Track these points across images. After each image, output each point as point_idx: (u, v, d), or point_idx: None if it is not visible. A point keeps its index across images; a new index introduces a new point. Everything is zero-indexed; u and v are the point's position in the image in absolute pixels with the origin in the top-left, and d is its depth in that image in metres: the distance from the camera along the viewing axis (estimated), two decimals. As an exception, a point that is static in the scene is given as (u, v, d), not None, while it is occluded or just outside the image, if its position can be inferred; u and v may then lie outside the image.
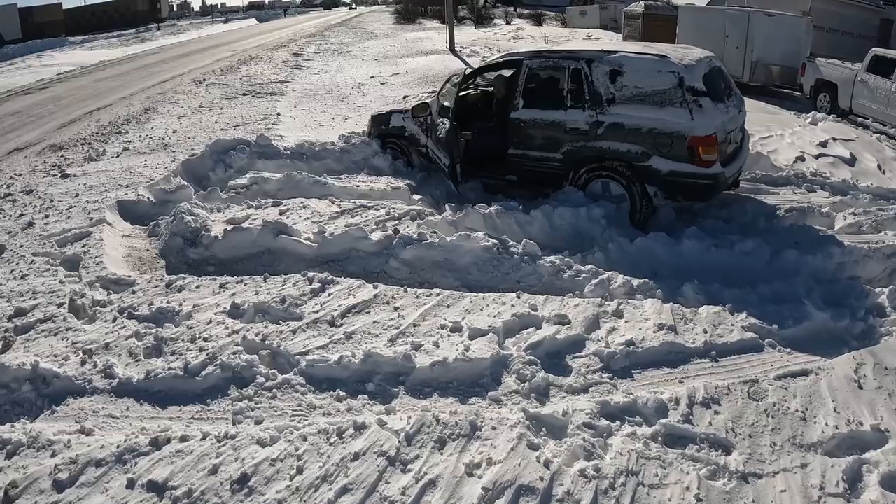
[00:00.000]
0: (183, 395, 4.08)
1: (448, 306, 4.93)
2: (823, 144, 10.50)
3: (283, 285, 5.19)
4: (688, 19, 18.05)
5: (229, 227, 6.04)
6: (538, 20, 38.38)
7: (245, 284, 5.25)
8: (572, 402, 4.03)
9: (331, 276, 5.27)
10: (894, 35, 21.06)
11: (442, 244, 5.83)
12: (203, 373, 4.16)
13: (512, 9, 45.16)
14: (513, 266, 5.74)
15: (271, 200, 7.03)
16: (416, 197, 7.64)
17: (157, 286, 5.34)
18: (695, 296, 5.25)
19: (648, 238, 6.16)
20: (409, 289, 5.17)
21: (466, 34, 33.37)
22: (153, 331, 4.63)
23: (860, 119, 13.73)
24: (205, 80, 19.26)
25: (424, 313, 4.81)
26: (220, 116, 13.36)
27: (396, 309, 4.87)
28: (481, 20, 40.24)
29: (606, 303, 5.08)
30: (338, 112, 14.35)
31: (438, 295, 5.05)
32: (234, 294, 5.10)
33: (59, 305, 5.14)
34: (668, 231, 6.51)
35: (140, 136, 11.43)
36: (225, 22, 65.38)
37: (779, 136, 10.96)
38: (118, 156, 10.06)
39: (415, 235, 5.93)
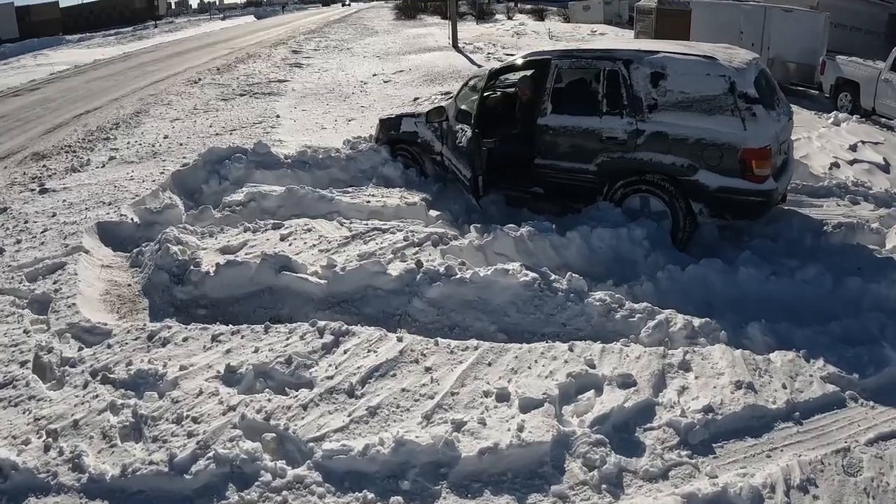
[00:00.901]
0: (168, 498, 3.16)
1: (489, 364, 3.99)
2: (853, 148, 9.76)
3: (288, 338, 4.23)
4: (702, 14, 17.06)
5: (223, 262, 5.08)
6: (540, 15, 37.32)
7: (242, 337, 4.28)
8: (651, 494, 3.21)
9: (345, 326, 4.29)
10: (905, 30, 20.23)
11: (474, 280, 4.88)
12: (193, 468, 3.22)
13: (513, 4, 44.06)
14: (557, 305, 4.81)
15: (271, 222, 6.05)
16: (432, 213, 6.70)
17: (137, 338, 4.37)
18: (763, 338, 4.54)
19: (701, 266, 5.39)
20: (439, 341, 4.19)
21: (468, 30, 32.31)
22: (131, 403, 3.66)
23: (884, 120, 13.00)
24: (200, 79, 18.24)
25: (462, 375, 3.87)
26: (216, 119, 12.37)
27: (428, 370, 3.92)
28: (482, 16, 39.17)
29: (670, 352, 4.23)
30: (340, 113, 13.38)
31: (476, 349, 4.10)
32: (228, 351, 4.14)
33: (23, 364, 4.20)
34: (712, 251, 5.87)
35: (129, 143, 10.43)
36: (223, 19, 64.19)
37: (806, 140, 10.11)
38: (103, 166, 9.08)
39: (441, 269, 4.98)
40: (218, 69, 20.60)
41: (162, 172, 7.98)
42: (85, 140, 11.08)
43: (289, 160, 8.16)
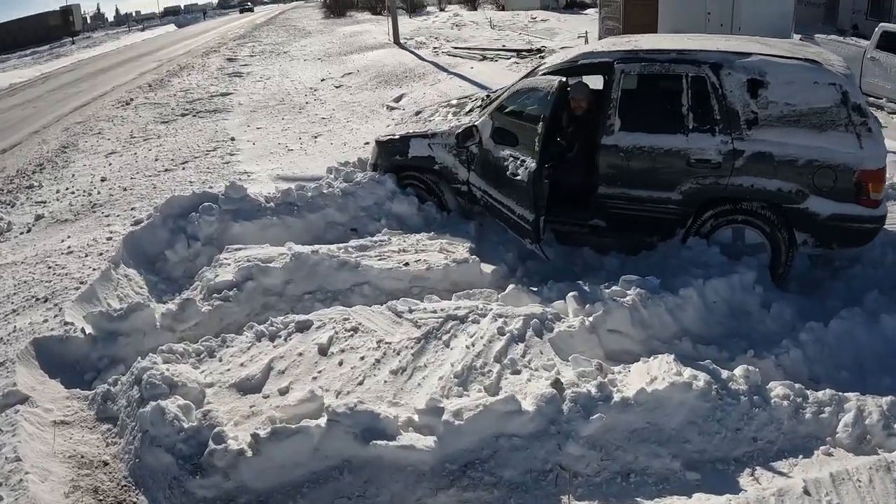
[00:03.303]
0: None
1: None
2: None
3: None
4: (669, -3, 15.53)
5: (265, 432, 3.03)
6: (473, 5, 35.41)
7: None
8: None
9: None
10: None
11: (640, 400, 3.30)
12: None
13: (442, -6, 42.01)
14: (742, 415, 3.36)
15: (293, 319, 4.02)
16: (485, 268, 4.89)
17: None
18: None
19: (844, 319, 4.28)
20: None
21: (403, 24, 30.07)
22: None
23: (872, 99, 11.91)
24: (132, 99, 15.66)
25: None
26: (160, 149, 10.09)
27: None
28: (414, 8, 36.99)
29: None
30: (301, 129, 11.31)
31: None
32: None
33: None
34: (810, 285, 5.09)
35: (58, 191, 8.10)
36: (142, 30, 59.84)
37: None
38: (29, 230, 6.77)
39: (592, 389, 3.32)
40: (150, 86, 17.97)
41: (109, 237, 5.83)
42: (3, 191, 8.65)
43: (271, 203, 6.15)
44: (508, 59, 17.75)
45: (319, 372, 3.58)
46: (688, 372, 3.51)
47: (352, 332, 3.82)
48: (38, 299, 4.74)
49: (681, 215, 5.05)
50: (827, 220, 4.67)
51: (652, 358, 3.73)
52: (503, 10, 32.79)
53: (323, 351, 3.72)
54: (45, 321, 4.35)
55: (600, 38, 15.30)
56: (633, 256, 5.34)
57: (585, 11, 28.90)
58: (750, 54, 4.84)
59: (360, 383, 3.48)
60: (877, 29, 11.95)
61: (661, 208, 5.08)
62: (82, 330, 4.16)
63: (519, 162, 4.89)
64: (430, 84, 14.89)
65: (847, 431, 3.32)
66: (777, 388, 3.47)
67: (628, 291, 4.22)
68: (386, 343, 3.73)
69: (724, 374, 3.55)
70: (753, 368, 3.61)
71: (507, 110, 5.24)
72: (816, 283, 5.12)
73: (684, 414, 3.34)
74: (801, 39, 13.17)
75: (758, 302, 4.50)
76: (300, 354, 3.70)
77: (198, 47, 30.38)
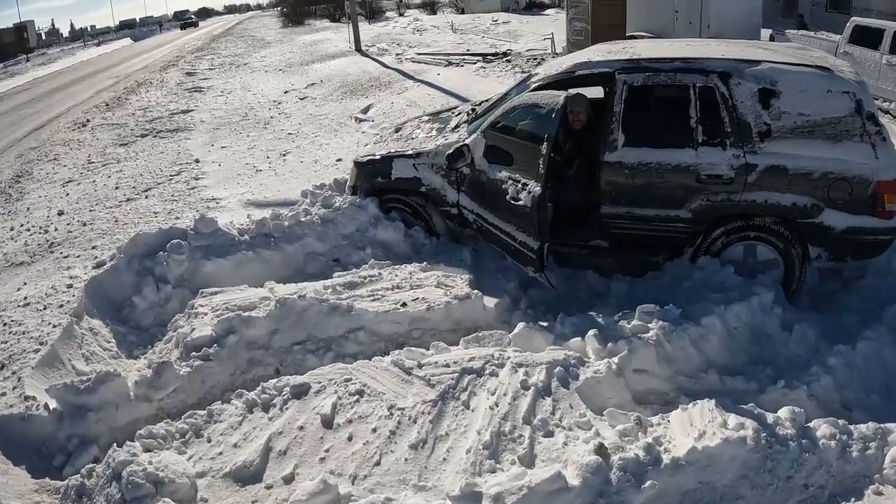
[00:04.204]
0: None
1: None
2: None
3: None
4: (637, -5, 15.23)
5: None
6: (432, 9, 34.90)
7: None
8: None
9: None
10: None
11: (691, 460, 2.92)
12: None
13: (401, 0, 41.37)
14: (791, 461, 3.04)
15: (287, 382, 3.43)
16: (488, 302, 4.42)
17: None
18: None
19: (871, 340, 4.03)
20: None
21: (363, 30, 29.45)
22: None
23: None
24: (89, 120, 14.79)
25: None
26: (120, 175, 9.38)
27: None
28: (373, 14, 36.34)
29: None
30: (268, 146, 10.71)
31: None
32: None
33: None
34: (821, 298, 4.82)
35: (12, 229, 7.38)
36: (98, 45, 57.90)
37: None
38: (-21, 276, 6.12)
39: (640, 452, 2.92)
40: (107, 104, 17.08)
41: (70, 284, 5.19)
42: (-51, 230, 7.87)
43: (245, 236, 5.57)
44: (474, 63, 17.34)
45: (327, 451, 3.05)
46: (732, 419, 3.17)
47: (357, 397, 3.30)
48: (-9, 365, 4.11)
49: (690, 234, 4.72)
50: (842, 234, 4.42)
51: (691, 405, 3.36)
52: (463, 13, 32.40)
53: (327, 422, 3.19)
54: (3, 394, 3.70)
55: (568, 39, 14.93)
56: (640, 279, 4.96)
57: (545, 12, 28.65)
58: (759, 62, 4.52)
59: (378, 463, 2.97)
60: (848, 23, 11.83)
61: (668, 227, 4.73)
62: (45, 406, 3.54)
63: (521, 185, 4.43)
64: (398, 93, 14.38)
65: (894, 467, 3.09)
66: (822, 428, 3.18)
67: (650, 325, 3.84)
68: (398, 409, 3.21)
69: (770, 417, 3.22)
70: (799, 409, 3.30)
71: (503, 127, 4.76)
72: (827, 296, 4.87)
73: (736, 469, 3.01)
74: (771, 35, 13.01)
75: (777, 323, 4.21)
76: (301, 428, 3.16)
77: (155, 62, 29.33)
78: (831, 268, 4.88)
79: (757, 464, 2.99)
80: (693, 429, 3.14)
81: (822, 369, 3.78)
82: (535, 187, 4.28)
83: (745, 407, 3.30)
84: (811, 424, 3.23)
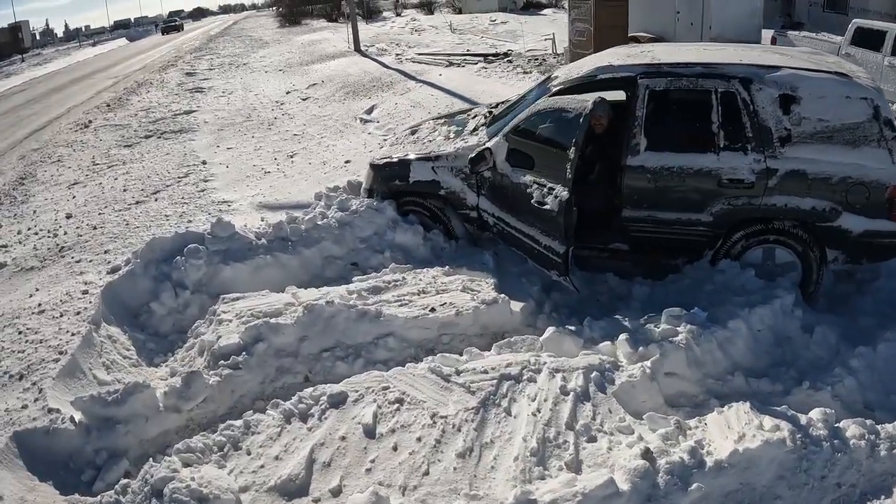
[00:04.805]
0: None
1: None
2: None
3: None
4: (639, -2, 15.15)
5: None
6: (429, 9, 34.75)
7: None
8: None
9: None
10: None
11: (733, 462, 2.96)
12: None
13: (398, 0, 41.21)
14: (824, 461, 3.10)
15: (323, 391, 3.35)
16: (514, 307, 4.35)
17: None
18: None
19: (891, 342, 4.04)
20: None
21: (361, 30, 29.33)
22: None
23: None
24: (90, 121, 14.63)
25: None
26: (127, 178, 9.26)
27: None
28: (370, 14, 36.17)
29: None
30: (275, 147, 10.60)
31: None
32: None
33: None
34: (837, 300, 4.83)
35: (19, 233, 7.25)
36: (93, 45, 57.46)
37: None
38: (-10, 281, 5.99)
39: (684, 456, 2.94)
40: (108, 105, 16.91)
41: (85, 290, 5.08)
42: (-44, 234, 7.72)
43: (263, 240, 5.48)
44: (476, 63, 17.23)
45: (372, 461, 2.98)
46: (768, 421, 3.20)
47: (397, 405, 3.23)
48: (11, 376, 3.96)
49: (710, 237, 4.72)
50: (859, 237, 4.47)
51: (726, 407, 3.38)
52: (460, 13, 32.25)
53: (369, 432, 3.12)
54: (24, 407, 3.59)
55: (570, 40, 14.83)
56: (661, 282, 4.94)
57: (543, 12, 28.56)
58: (779, 67, 4.52)
59: (426, 473, 2.91)
60: (850, 25, 11.73)
61: (689, 230, 4.73)
62: (71, 418, 3.41)
63: (546, 189, 4.37)
64: (400, 94, 14.27)
65: (920, 466, 3.09)
66: (851, 428, 3.23)
67: (679, 329, 3.84)
68: (441, 417, 3.15)
69: (803, 419, 3.27)
70: (830, 411, 3.35)
71: (527, 131, 4.70)
72: (842, 298, 4.88)
73: (774, 469, 3.06)
74: (773, 37, 12.95)
75: (798, 326, 4.25)
76: (343, 439, 3.08)
77: (153, 62, 29.10)
78: (846, 270, 4.90)
79: (793, 464, 3.03)
80: (731, 431, 3.17)
81: (844, 371, 3.81)
82: (563, 192, 4.23)
83: (778, 409, 3.33)
84: (840, 425, 3.26)
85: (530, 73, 14.72)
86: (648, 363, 3.55)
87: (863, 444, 3.13)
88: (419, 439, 3.06)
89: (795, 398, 3.62)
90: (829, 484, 3.03)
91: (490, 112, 5.83)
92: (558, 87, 4.90)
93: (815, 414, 3.28)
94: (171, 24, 63.87)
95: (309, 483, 2.90)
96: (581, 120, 4.15)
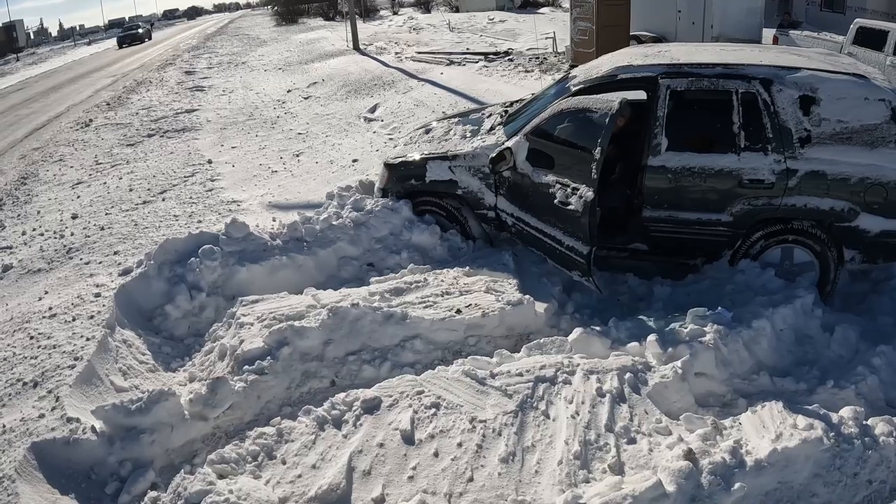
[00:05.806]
0: None
1: None
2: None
3: None
4: (641, -4, 15.04)
5: None
6: (426, 8, 34.57)
7: None
8: None
9: None
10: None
11: (773, 461, 2.95)
12: None
13: (394, -1, 41.03)
14: (858, 459, 3.09)
15: (357, 397, 3.24)
16: (538, 307, 4.25)
17: None
18: None
19: None
20: None
21: (359, 29, 29.16)
22: None
23: None
24: (91, 120, 14.45)
25: None
26: (132, 177, 9.11)
27: None
28: (367, 13, 35.97)
29: None
30: (280, 146, 10.46)
31: None
32: None
33: None
34: (854, 299, 4.80)
35: (24, 234, 7.09)
36: (88, 44, 56.93)
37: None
38: (-2, 284, 5.84)
39: (727, 458, 2.91)
40: (108, 104, 16.71)
41: (97, 293, 4.94)
42: (-40, 235, 7.54)
43: (278, 241, 5.37)
44: (476, 62, 17.12)
45: (414, 469, 2.88)
46: (801, 420, 3.18)
47: (434, 410, 3.13)
48: (25, 384, 3.83)
49: (730, 237, 4.68)
50: (877, 237, 4.48)
51: (759, 406, 3.35)
52: (458, 11, 32.09)
53: (408, 438, 3.02)
54: (42, 416, 3.45)
55: (572, 38, 14.72)
56: (681, 282, 4.88)
57: (541, 10, 28.43)
58: (799, 69, 4.49)
59: (471, 479, 2.82)
60: (852, 25, 11.71)
61: (709, 230, 4.68)
62: (92, 428, 3.27)
63: (570, 190, 4.28)
64: (403, 92, 14.14)
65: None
66: (879, 425, 3.21)
67: (706, 329, 3.79)
68: (480, 421, 3.07)
69: (834, 417, 3.25)
70: (860, 409, 3.33)
71: (549, 131, 4.61)
72: (858, 297, 4.85)
73: (810, 468, 3.05)
74: (775, 36, 12.88)
75: (818, 325, 4.25)
76: (381, 445, 2.99)
77: (151, 61, 28.84)
78: (861, 269, 4.87)
79: (827, 462, 3.02)
80: (766, 430, 3.14)
81: (867, 369, 3.79)
82: (588, 192, 4.14)
83: (809, 408, 3.31)
84: (868, 422, 3.25)
85: (532, 71, 14.63)
86: (679, 363, 3.50)
87: (892, 440, 3.13)
88: (460, 444, 2.98)
89: (820, 397, 3.60)
90: (861, 481, 3.05)
91: (506, 111, 5.74)
92: (578, 87, 4.81)
93: (846, 412, 3.28)
94: (130, 31, 44.65)
95: (350, 492, 2.79)
96: (607, 120, 4.06)
